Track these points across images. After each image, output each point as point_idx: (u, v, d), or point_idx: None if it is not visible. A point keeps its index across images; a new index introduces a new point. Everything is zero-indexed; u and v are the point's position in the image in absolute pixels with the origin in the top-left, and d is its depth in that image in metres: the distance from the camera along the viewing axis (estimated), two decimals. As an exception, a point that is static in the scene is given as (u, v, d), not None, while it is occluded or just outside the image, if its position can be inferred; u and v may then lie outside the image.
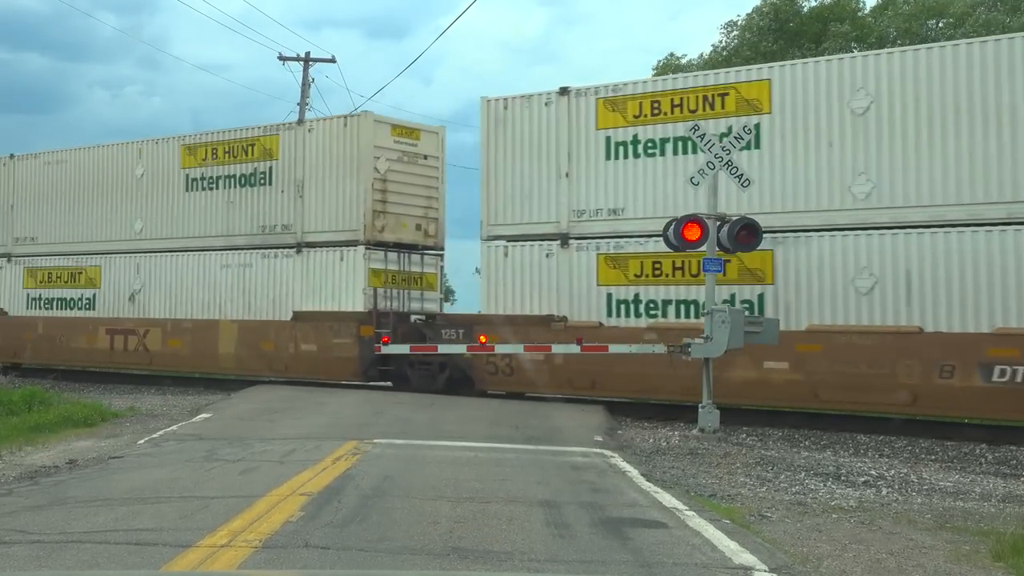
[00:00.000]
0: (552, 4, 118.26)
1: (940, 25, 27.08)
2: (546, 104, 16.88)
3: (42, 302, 23.73)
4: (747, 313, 14.10)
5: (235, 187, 20.57)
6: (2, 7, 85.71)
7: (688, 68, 30.06)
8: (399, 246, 19.36)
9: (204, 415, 14.87)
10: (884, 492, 9.87)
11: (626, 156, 16.20)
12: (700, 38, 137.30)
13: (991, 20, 25.14)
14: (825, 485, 10.11)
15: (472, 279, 20.14)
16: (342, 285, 18.99)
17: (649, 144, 16.01)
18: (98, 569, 5.88)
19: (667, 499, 8.62)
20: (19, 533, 6.76)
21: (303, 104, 33.81)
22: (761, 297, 14.84)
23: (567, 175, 16.66)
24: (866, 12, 27.95)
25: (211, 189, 20.91)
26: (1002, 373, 13.03)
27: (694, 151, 15.10)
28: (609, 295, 16.25)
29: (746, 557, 6.51)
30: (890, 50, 15.98)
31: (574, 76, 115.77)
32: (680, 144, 15.59)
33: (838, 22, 26.85)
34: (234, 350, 20.36)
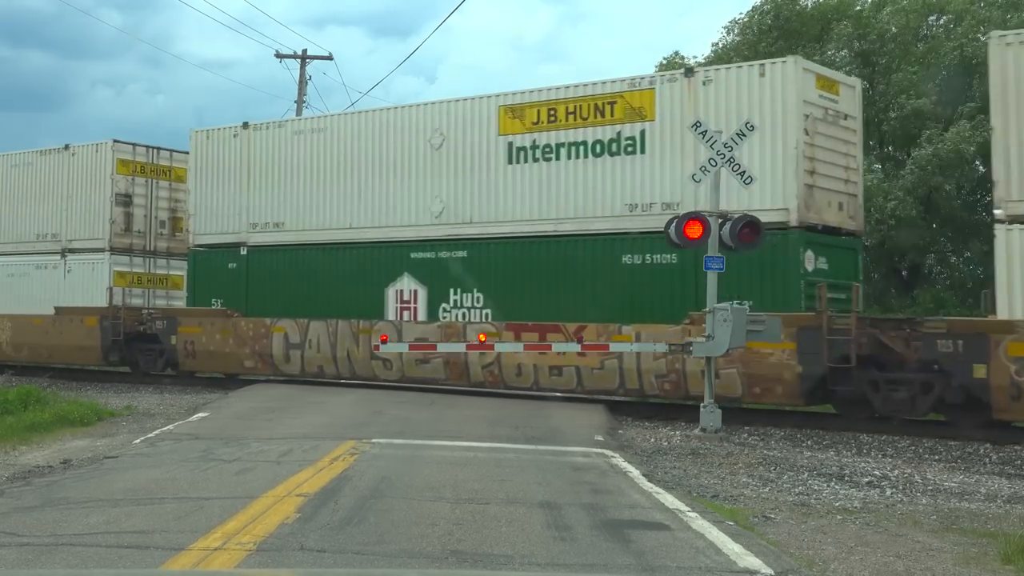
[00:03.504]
0: (558, 2, 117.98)
1: (941, 21, 26.94)
2: None
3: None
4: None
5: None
6: (3, 4, 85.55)
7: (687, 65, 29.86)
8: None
9: (201, 414, 14.77)
10: (888, 493, 9.75)
11: None
12: (707, 36, 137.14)
13: (990, 17, 25.01)
14: (829, 485, 9.99)
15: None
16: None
17: None
18: (89, 570, 5.76)
19: (669, 500, 8.50)
20: (8, 535, 6.63)
21: (300, 102, 33.70)
22: None
23: None
24: (866, 5, 27.79)
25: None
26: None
27: None
28: None
29: (751, 560, 6.39)
30: None
31: (580, 74, 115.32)
32: None
33: (839, 21, 26.71)
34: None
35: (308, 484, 8.55)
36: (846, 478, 10.50)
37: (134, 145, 23.02)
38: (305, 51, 34.48)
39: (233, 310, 20.15)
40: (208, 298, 20.73)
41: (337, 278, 19.02)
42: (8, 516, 7.34)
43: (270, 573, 5.75)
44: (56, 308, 22.68)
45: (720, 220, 13.63)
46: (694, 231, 13.43)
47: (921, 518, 8.42)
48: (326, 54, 37.75)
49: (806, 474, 10.68)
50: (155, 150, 23.43)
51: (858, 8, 27.60)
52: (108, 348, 21.88)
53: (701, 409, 13.63)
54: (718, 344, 13.22)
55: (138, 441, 11.99)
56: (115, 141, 22.68)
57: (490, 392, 17.27)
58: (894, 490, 9.89)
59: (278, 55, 34.42)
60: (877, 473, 10.88)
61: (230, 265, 20.35)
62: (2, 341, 23.95)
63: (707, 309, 13.38)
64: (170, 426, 13.40)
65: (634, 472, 10.08)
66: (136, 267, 23.02)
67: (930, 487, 10.16)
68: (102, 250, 22.57)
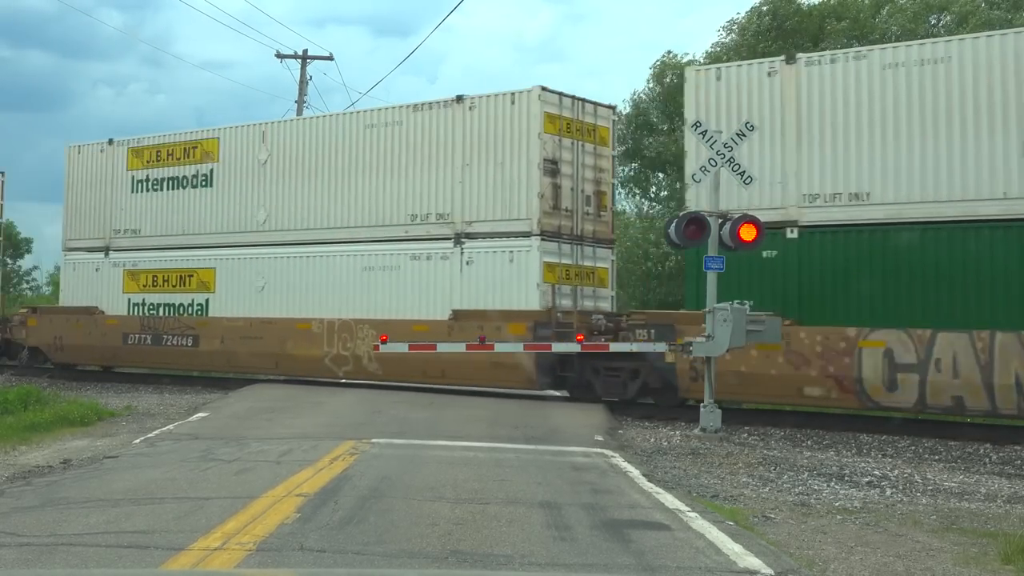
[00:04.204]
0: (558, 2, 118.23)
1: (943, 22, 26.95)
2: None
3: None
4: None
5: None
6: (3, 4, 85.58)
7: (682, 66, 29.82)
8: None
9: (201, 414, 14.77)
10: (888, 493, 9.75)
11: None
12: (708, 36, 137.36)
13: (993, 18, 25.02)
14: (828, 485, 10.00)
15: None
16: None
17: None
18: (89, 570, 5.76)
19: (669, 500, 8.50)
20: (8, 535, 6.62)
21: (300, 102, 33.69)
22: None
23: None
24: (865, 5, 27.80)
25: None
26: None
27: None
28: None
29: (751, 560, 6.39)
30: None
31: (581, 74, 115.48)
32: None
33: (836, 19, 26.70)
34: None
35: (308, 484, 8.55)
36: (846, 478, 10.50)
37: (560, 95, 17.39)
38: (306, 51, 34.48)
39: (777, 314, 14.19)
40: (723, 299, 14.23)
41: (981, 271, 13.31)
42: (8, 516, 7.34)
43: (270, 573, 5.75)
44: (455, 311, 17.28)
45: (720, 220, 13.63)
46: (694, 231, 13.45)
47: (921, 518, 8.42)
48: (327, 54, 37.73)
49: (806, 474, 10.68)
50: (580, 103, 17.72)
51: (858, 12, 27.60)
52: (545, 366, 16.46)
53: (701, 409, 13.63)
54: (718, 344, 13.22)
55: (138, 441, 11.99)
56: (543, 89, 17.05)
57: (489, 392, 17.24)
58: (894, 490, 9.89)
59: (279, 55, 34.42)
60: (877, 473, 10.88)
61: (765, 253, 14.75)
62: (361, 354, 18.23)
63: (707, 309, 13.38)
64: (170, 426, 13.40)
65: (634, 472, 10.08)
66: (564, 257, 17.25)
67: (930, 487, 10.16)
68: (527, 234, 16.83)
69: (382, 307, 18.17)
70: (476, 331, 16.45)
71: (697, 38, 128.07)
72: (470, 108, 17.57)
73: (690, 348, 13.69)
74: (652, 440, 13.16)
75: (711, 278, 13.48)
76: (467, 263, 17.37)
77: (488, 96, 17.52)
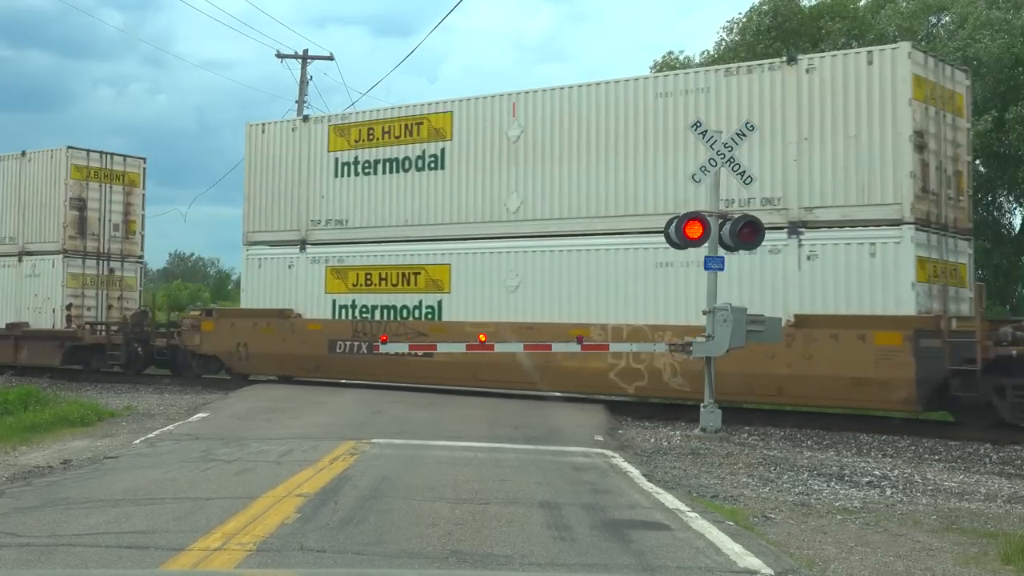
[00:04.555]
0: (558, 2, 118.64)
1: (942, 22, 26.93)
2: None
3: None
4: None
5: None
6: (4, 4, 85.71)
7: (689, 65, 29.81)
8: None
9: (201, 414, 14.78)
10: (888, 493, 9.75)
11: None
12: (708, 36, 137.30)
13: (992, 18, 25.00)
14: (828, 485, 10.00)
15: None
16: None
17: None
18: (89, 570, 5.76)
19: (669, 500, 8.50)
20: (8, 535, 6.63)
21: (301, 102, 33.70)
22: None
23: None
24: (861, 5, 27.75)
25: None
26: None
27: None
28: None
29: (751, 560, 6.39)
30: None
31: (581, 74, 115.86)
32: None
33: (831, 19, 26.67)
34: None
35: (308, 484, 8.55)
36: (846, 478, 10.50)
37: (926, 55, 14.97)
38: (306, 51, 34.51)
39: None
40: None
41: None
42: (8, 516, 7.34)
43: (270, 573, 5.75)
44: (796, 316, 14.25)
45: (720, 220, 13.63)
46: (694, 231, 13.43)
47: (921, 518, 8.42)
48: (327, 54, 37.76)
49: (806, 474, 10.68)
50: (940, 65, 15.10)
51: (858, 10, 27.57)
52: (931, 383, 13.50)
53: (701, 409, 13.62)
54: (718, 344, 13.22)
55: (138, 441, 12.00)
56: (912, 47, 14.53)
57: (489, 392, 17.23)
58: (894, 490, 9.89)
59: (279, 55, 34.44)
60: (877, 473, 10.88)
61: None
62: (660, 366, 15.34)
63: (707, 309, 13.37)
64: (170, 426, 13.41)
65: (634, 472, 10.08)
66: (932, 250, 14.35)
67: (930, 487, 10.16)
68: (896, 222, 13.90)
69: (687, 311, 14.98)
70: (829, 340, 13.80)
71: (697, 38, 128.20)
72: (807, 70, 14.74)
73: (690, 349, 13.68)
74: (652, 440, 13.17)
75: (711, 278, 13.48)
76: (807, 257, 14.40)
77: (834, 56, 15.19)
